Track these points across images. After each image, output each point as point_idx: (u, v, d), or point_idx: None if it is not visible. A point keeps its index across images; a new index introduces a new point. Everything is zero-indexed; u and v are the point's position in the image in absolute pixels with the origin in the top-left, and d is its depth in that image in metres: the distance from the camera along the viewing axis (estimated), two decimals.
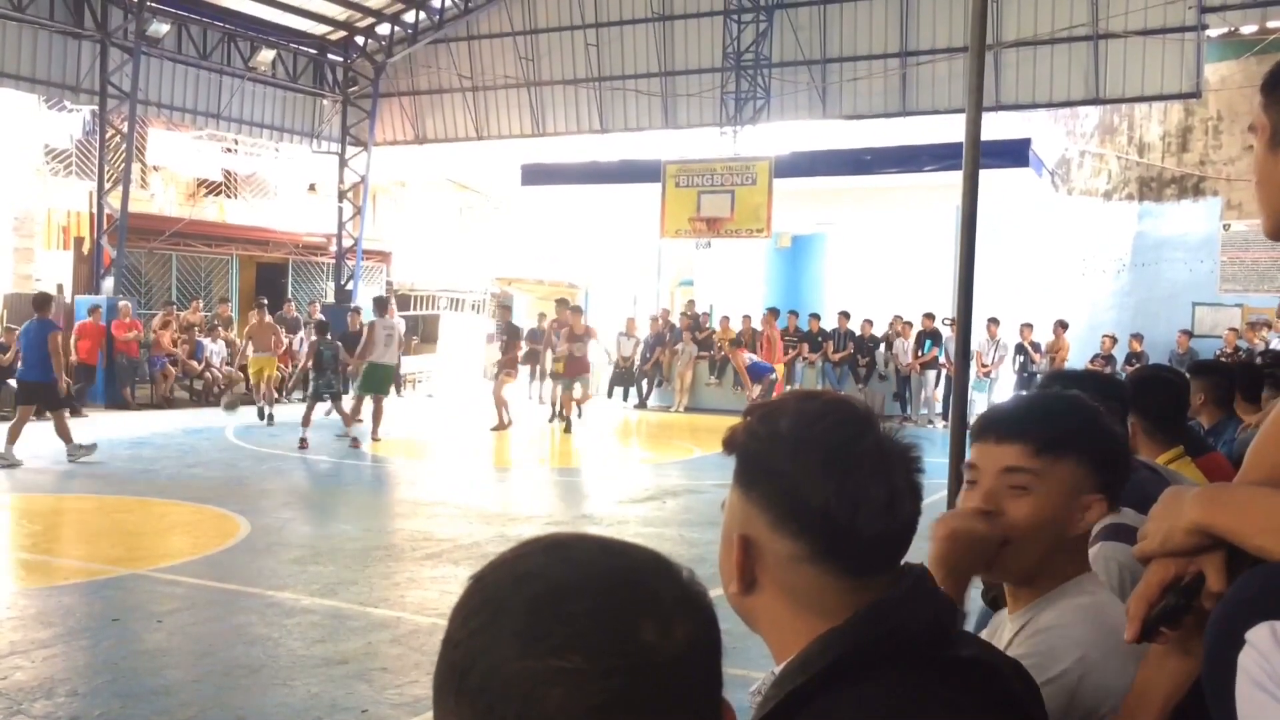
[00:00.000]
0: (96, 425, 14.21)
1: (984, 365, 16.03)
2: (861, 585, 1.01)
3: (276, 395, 18.13)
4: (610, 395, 18.99)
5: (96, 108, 17.08)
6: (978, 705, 1.00)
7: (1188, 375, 4.13)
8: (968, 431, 1.76)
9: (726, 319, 19.17)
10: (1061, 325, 16.58)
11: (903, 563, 1.06)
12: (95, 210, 17.30)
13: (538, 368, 19.66)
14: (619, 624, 0.68)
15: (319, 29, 20.13)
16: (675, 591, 0.72)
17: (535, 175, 19.18)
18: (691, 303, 20.23)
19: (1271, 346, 14.54)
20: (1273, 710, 0.93)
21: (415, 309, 23.96)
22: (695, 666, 0.70)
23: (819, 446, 1.01)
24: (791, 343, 18.07)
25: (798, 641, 1.02)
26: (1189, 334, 16.41)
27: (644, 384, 19.02)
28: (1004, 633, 1.45)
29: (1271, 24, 15.14)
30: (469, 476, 10.73)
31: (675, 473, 11.75)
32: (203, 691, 4.45)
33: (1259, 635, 0.95)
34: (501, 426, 14.01)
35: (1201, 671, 1.05)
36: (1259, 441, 1.19)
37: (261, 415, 14.53)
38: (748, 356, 17.19)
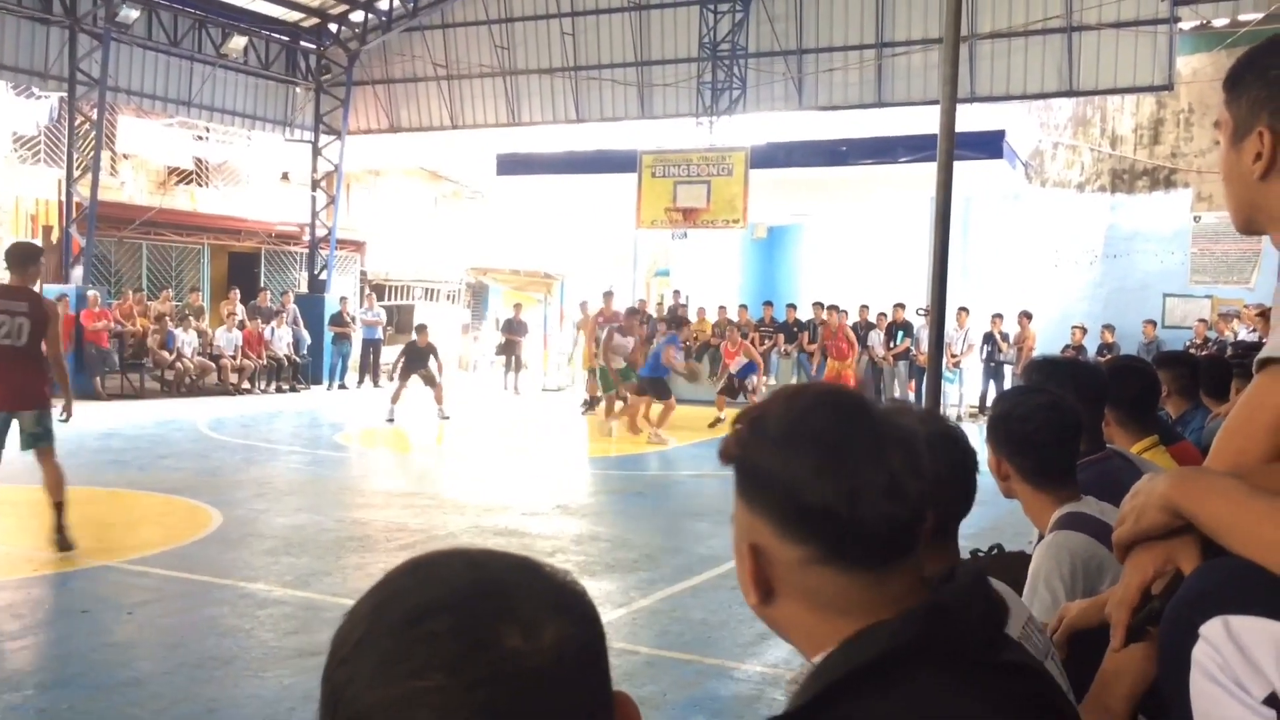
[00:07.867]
0: None
1: (953, 355, 16.10)
2: (881, 578, 0.97)
3: (248, 385, 18.05)
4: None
5: (65, 94, 16.84)
6: (1024, 711, 0.97)
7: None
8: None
9: (702, 310, 19.20)
10: (1026, 316, 16.72)
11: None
12: (64, 198, 17.07)
13: (513, 358, 19.65)
14: (479, 635, 0.67)
15: (291, 16, 19.93)
16: (544, 596, 0.71)
17: (510, 165, 19.13)
18: (676, 293, 20.23)
19: (1240, 338, 14.73)
20: (1225, 703, 0.94)
21: (390, 299, 23.85)
22: (570, 668, 0.69)
23: (808, 443, 0.97)
24: (767, 333, 18.10)
25: (829, 644, 0.98)
26: (1154, 323, 16.59)
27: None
28: None
29: (1243, 16, 15.24)
30: (443, 467, 10.68)
31: (653, 463, 11.77)
32: (174, 683, 4.41)
33: (1212, 629, 0.96)
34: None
35: (1157, 663, 1.06)
36: (1225, 429, 1.20)
37: None
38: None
